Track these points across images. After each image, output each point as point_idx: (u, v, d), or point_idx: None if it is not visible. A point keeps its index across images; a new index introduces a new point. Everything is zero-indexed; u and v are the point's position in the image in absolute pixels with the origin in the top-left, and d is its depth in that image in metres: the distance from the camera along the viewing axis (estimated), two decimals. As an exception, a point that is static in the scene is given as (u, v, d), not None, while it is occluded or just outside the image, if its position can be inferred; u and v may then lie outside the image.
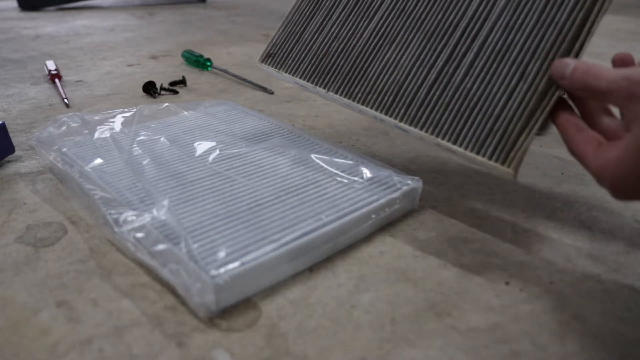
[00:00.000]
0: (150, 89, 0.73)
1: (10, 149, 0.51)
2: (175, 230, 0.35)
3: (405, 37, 0.42)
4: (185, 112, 0.59)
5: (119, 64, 0.92)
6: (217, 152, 0.48)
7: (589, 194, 0.47)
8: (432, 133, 0.38)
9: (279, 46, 0.50)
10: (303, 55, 0.48)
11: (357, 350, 0.29)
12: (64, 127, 0.52)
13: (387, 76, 0.42)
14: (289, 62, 0.49)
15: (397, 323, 0.31)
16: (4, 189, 0.46)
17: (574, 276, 0.36)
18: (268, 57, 0.51)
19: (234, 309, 0.32)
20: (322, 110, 0.68)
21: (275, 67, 0.50)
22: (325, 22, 0.48)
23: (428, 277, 0.35)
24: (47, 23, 1.33)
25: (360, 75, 0.44)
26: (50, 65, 0.82)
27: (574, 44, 0.34)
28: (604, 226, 0.42)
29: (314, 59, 0.47)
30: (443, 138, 0.37)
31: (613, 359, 0.29)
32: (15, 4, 1.59)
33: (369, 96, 0.42)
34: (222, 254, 0.33)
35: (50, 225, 0.41)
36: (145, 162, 0.45)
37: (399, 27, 0.43)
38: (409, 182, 0.42)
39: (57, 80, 0.76)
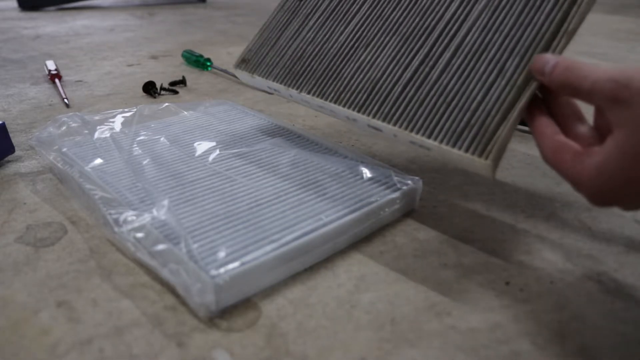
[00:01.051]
0: (150, 89, 0.73)
1: (10, 149, 0.51)
2: (175, 230, 0.35)
3: (382, 39, 0.42)
4: (185, 112, 0.59)
5: (119, 64, 0.92)
6: (217, 152, 0.48)
7: (589, 194, 0.47)
8: (405, 128, 0.37)
9: (254, 52, 0.50)
10: (277, 59, 0.48)
11: (357, 350, 0.29)
12: (64, 127, 0.52)
13: (361, 76, 0.41)
14: (263, 66, 0.48)
15: (397, 323, 0.31)
16: (4, 189, 0.46)
17: (574, 276, 0.36)
18: (242, 63, 0.50)
19: (234, 309, 0.32)
20: (322, 110, 0.68)
21: (249, 72, 0.49)
22: (301, 28, 0.48)
23: (428, 277, 0.35)
24: (47, 23, 1.33)
25: (334, 76, 0.43)
26: (50, 65, 0.82)
27: (552, 42, 0.34)
28: (604, 226, 0.42)
29: (288, 63, 0.47)
30: (417, 133, 0.36)
31: (613, 359, 0.29)
32: (15, 4, 1.59)
33: (342, 95, 0.42)
34: (222, 254, 0.33)
35: (50, 225, 0.41)
36: (145, 162, 0.45)
37: (375, 31, 0.43)
38: (409, 182, 0.42)
39: (57, 80, 0.76)
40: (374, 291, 0.34)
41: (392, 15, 0.42)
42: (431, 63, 0.38)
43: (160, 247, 0.34)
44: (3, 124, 0.50)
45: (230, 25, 1.35)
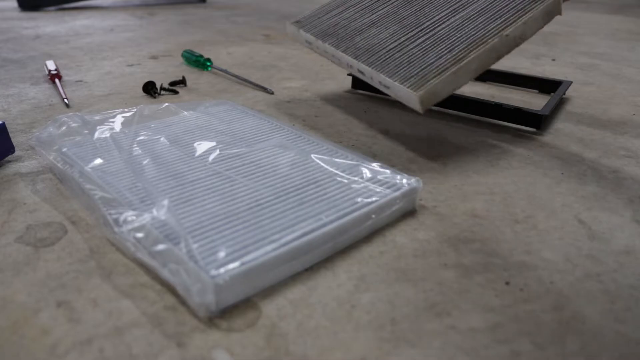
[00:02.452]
0: (150, 89, 0.73)
1: (10, 149, 0.51)
2: (175, 230, 0.35)
3: (388, 24, 0.62)
4: (185, 112, 0.59)
5: (119, 64, 0.92)
6: (217, 152, 0.48)
7: (589, 194, 0.47)
8: (378, 71, 0.54)
9: (306, 18, 0.71)
10: (319, 25, 0.68)
11: (357, 350, 0.29)
12: (64, 127, 0.52)
13: (365, 41, 0.61)
14: (308, 27, 0.69)
15: (397, 323, 0.31)
16: (4, 189, 0.46)
17: (574, 276, 0.36)
18: (296, 22, 0.71)
19: (234, 309, 0.32)
20: (322, 110, 0.68)
21: (298, 28, 0.70)
22: (343, 11, 0.69)
23: (428, 277, 0.35)
24: (47, 23, 1.33)
25: (348, 39, 0.63)
26: (50, 65, 0.82)
27: (488, 40, 0.52)
28: (604, 226, 0.42)
29: (325, 27, 0.67)
30: (384, 74, 0.54)
31: (613, 359, 0.29)
32: (15, 4, 1.59)
33: (349, 49, 0.61)
34: (222, 254, 0.33)
35: (50, 225, 0.41)
36: (145, 162, 0.45)
37: (387, 20, 0.63)
38: (409, 182, 0.42)
39: (57, 80, 0.76)
40: (374, 291, 0.34)
41: (402, 13, 0.62)
42: (412, 40, 0.57)
43: (160, 247, 0.34)
44: (3, 124, 0.50)
45: (230, 25, 1.35)
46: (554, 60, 1.02)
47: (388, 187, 0.42)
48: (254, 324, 0.31)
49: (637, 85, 0.85)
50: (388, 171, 0.44)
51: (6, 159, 0.52)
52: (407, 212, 0.43)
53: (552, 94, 0.72)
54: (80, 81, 0.81)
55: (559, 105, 0.73)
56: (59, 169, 0.46)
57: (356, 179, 0.43)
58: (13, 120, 0.63)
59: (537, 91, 0.80)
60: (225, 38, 1.17)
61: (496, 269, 0.36)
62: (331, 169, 0.45)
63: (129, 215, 0.37)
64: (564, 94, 0.74)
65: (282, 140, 0.51)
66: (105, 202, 0.39)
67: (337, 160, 0.46)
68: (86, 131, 0.52)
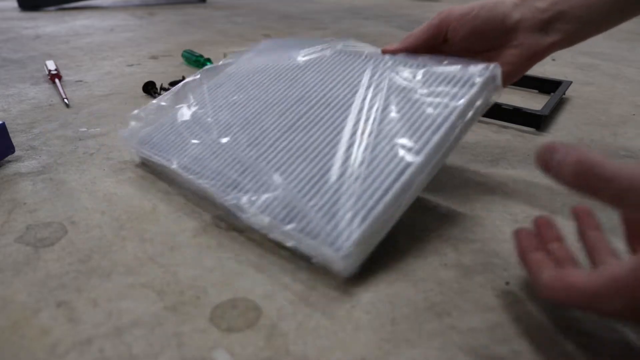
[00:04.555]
0: (150, 89, 0.73)
1: (10, 149, 0.51)
2: (296, 205, 0.36)
3: None
4: (233, 62, 0.56)
5: (119, 64, 0.92)
6: (300, 103, 0.45)
7: (589, 194, 0.47)
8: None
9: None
10: None
11: (357, 350, 0.29)
12: (144, 120, 0.51)
13: None
14: None
15: (397, 323, 0.31)
16: (4, 189, 0.46)
17: (574, 276, 0.36)
18: None
19: (234, 309, 0.32)
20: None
21: None
22: None
23: (428, 277, 0.35)
24: (47, 23, 1.33)
25: None
26: (50, 65, 0.82)
27: None
28: (603, 226, 0.42)
29: None
30: None
31: (613, 359, 0.29)
32: (15, 4, 1.59)
33: None
34: (344, 223, 0.34)
35: (50, 225, 0.41)
36: (236, 135, 0.44)
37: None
38: (486, 70, 0.40)
39: (57, 80, 0.76)
40: (374, 291, 0.34)
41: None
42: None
43: (288, 227, 0.35)
44: (3, 124, 0.50)
45: (230, 25, 1.35)
46: (554, 60, 1.02)
47: (465, 84, 0.39)
48: (254, 324, 0.31)
49: (637, 85, 0.85)
50: (459, 65, 0.40)
51: (6, 159, 0.52)
52: (490, 104, 0.41)
53: (552, 94, 0.72)
54: (80, 81, 0.81)
55: (559, 105, 0.73)
56: (153, 164, 0.47)
57: (431, 89, 0.40)
58: (13, 120, 0.63)
59: (537, 91, 0.80)
60: (225, 38, 1.17)
61: (496, 269, 0.36)
62: (410, 85, 0.41)
63: (246, 198, 0.38)
64: (564, 94, 0.74)
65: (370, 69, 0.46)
66: (217, 189, 0.40)
67: (408, 73, 0.42)
68: (167, 118, 0.50)
